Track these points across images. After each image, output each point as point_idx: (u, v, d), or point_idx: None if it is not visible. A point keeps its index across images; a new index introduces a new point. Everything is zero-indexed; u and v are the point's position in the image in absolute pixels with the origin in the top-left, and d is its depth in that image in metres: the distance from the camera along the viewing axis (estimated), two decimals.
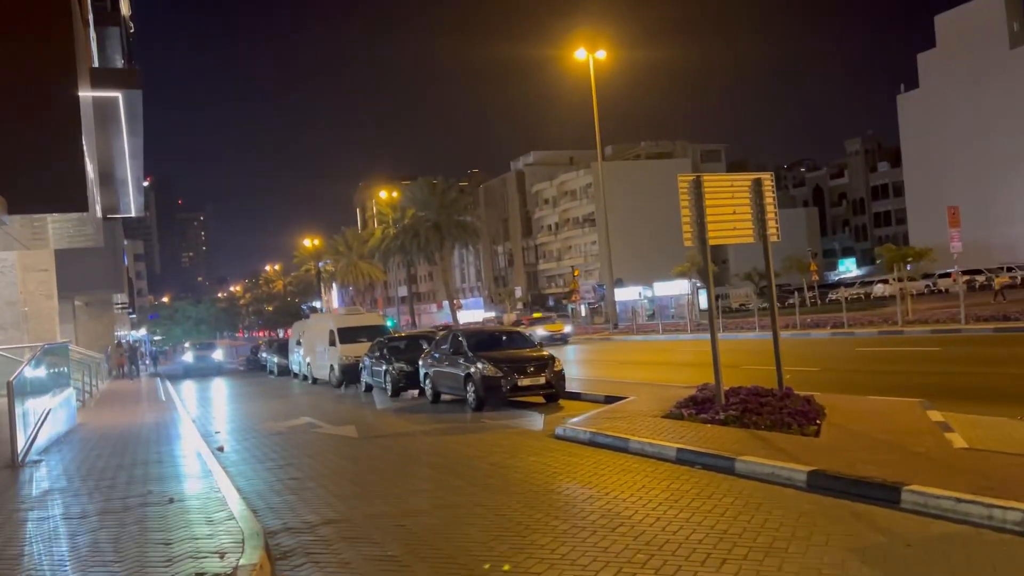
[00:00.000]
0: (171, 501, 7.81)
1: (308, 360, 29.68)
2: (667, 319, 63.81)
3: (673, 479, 7.81)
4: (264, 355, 42.56)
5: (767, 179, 11.61)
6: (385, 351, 22.03)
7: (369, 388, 22.95)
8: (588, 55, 44.06)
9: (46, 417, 14.16)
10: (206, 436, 14.60)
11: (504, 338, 17.62)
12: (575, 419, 11.98)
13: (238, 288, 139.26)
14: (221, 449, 12.76)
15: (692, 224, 11.08)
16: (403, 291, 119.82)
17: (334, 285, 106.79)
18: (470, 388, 15.86)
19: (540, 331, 40.48)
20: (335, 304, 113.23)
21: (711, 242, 11.11)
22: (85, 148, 12.80)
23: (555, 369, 15.76)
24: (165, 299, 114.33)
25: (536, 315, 59.59)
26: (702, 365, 20.20)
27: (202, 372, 42.87)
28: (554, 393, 15.80)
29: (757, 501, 6.66)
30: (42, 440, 13.20)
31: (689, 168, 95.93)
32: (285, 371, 35.50)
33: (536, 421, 13.55)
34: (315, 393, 24.69)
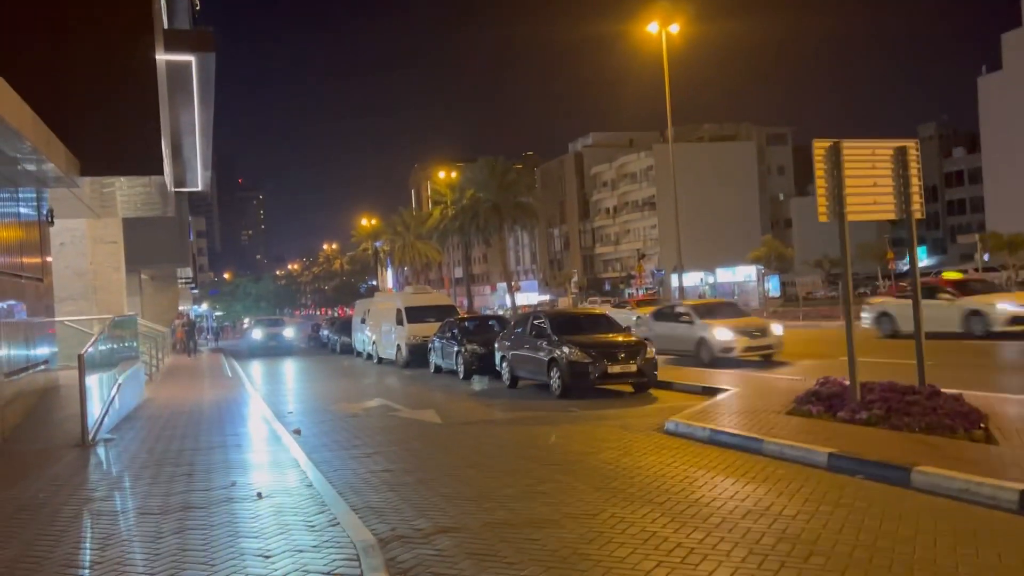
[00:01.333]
0: (259, 496, 6.94)
1: (374, 339, 29.01)
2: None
3: (838, 491, 6.66)
4: (326, 333, 42.19)
5: (912, 147, 10.28)
6: (457, 332, 21.14)
7: (438, 369, 22.11)
8: (661, 29, 42.28)
9: (116, 392, 13.57)
10: (279, 416, 13.87)
11: (590, 321, 16.53)
12: (685, 413, 10.85)
13: (295, 266, 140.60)
14: (298, 432, 11.97)
15: (828, 196, 9.82)
16: (457, 272, 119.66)
17: (389, 265, 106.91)
18: (554, 374, 14.83)
19: (723, 332, 18.67)
20: (389, 284, 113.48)
21: (849, 217, 9.83)
22: (160, 112, 12.08)
23: (647, 356, 14.64)
24: (226, 275, 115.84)
25: (643, 302, 39.80)
26: (790, 355, 18.87)
27: (272, 352, 37.53)
28: (645, 382, 14.68)
29: (970, 527, 5.48)
30: (112, 416, 12.59)
31: (754, 152, 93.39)
32: (348, 349, 34.98)
33: (634, 413, 12.46)
34: (383, 373, 23.97)
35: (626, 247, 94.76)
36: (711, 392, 13.68)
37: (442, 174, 75.96)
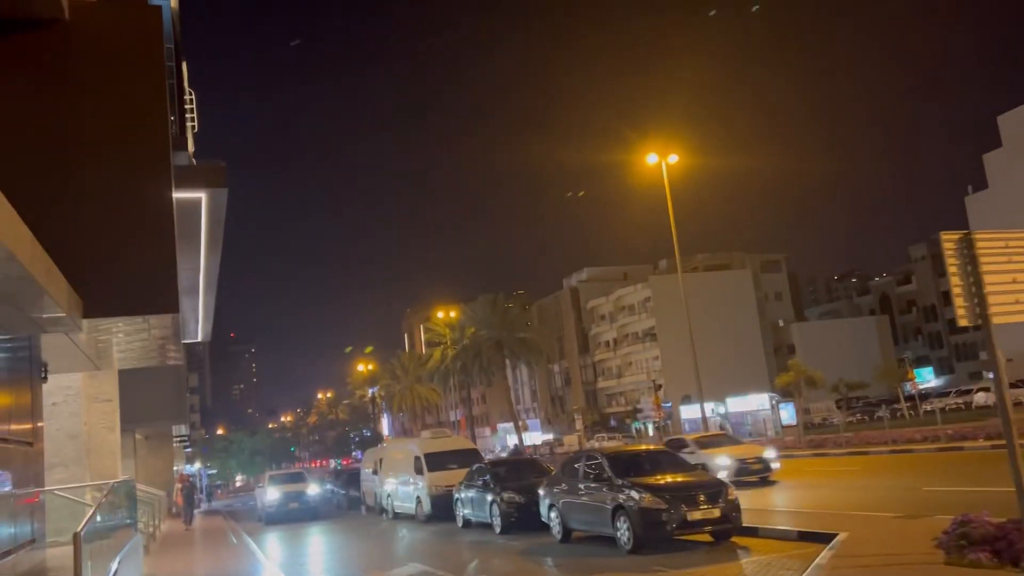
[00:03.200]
0: None
1: (388, 491, 26.67)
2: (742, 435, 59.67)
3: None
4: (330, 487, 39.58)
5: None
6: (489, 479, 19.10)
7: (468, 523, 19.86)
8: (660, 160, 42.41)
9: (115, 574, 11.50)
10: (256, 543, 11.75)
11: (654, 459, 14.64)
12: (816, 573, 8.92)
13: (289, 418, 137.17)
14: None
15: (965, 296, 8.38)
16: (454, 415, 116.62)
17: (385, 411, 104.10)
18: (621, 524, 12.83)
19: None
20: (385, 431, 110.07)
21: (995, 319, 8.35)
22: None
23: (729, 498, 12.73)
24: (219, 431, 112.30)
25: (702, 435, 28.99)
26: (855, 488, 16.93)
27: (295, 518, 28.21)
28: (730, 529, 12.70)
29: None
30: None
31: (749, 280, 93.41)
32: (355, 504, 32.45)
33: (734, 572, 10.48)
34: (404, 529, 21.63)
35: (629, 379, 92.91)
36: (811, 537, 11.75)
37: (440, 314, 74.97)
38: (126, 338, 13.89)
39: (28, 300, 7.48)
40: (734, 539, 12.80)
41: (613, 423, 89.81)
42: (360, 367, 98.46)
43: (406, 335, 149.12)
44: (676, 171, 47.58)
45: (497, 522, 17.92)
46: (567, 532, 14.96)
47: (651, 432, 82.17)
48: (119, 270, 9.72)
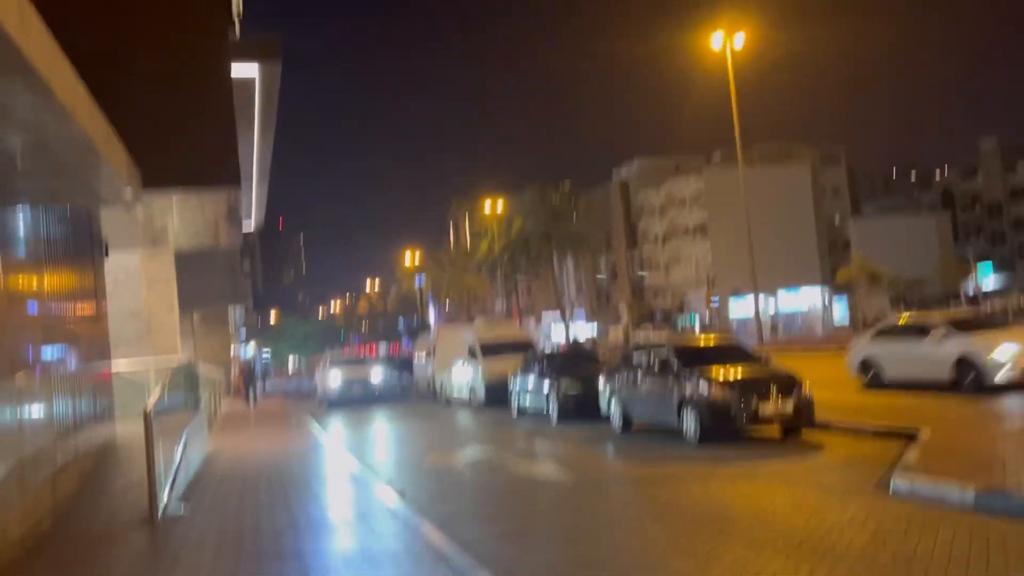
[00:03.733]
0: None
1: (441, 378, 26.89)
2: (794, 332, 59.12)
3: None
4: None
5: None
6: (546, 367, 18.93)
7: (523, 411, 19.86)
8: (725, 41, 40.09)
9: (182, 452, 11.62)
10: (370, 472, 11.77)
11: (723, 351, 14.19)
12: (910, 465, 8.49)
13: (338, 306, 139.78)
14: (402, 493, 9.83)
15: None
16: (499, 306, 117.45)
17: (431, 301, 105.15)
18: (688, 416, 12.53)
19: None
20: (431, 320, 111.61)
21: None
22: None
23: (803, 393, 12.29)
24: (272, 316, 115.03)
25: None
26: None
27: (359, 403, 27.28)
28: (802, 425, 12.32)
29: None
30: (179, 481, 10.61)
31: (807, 173, 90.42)
32: (405, 388, 32.96)
33: (811, 465, 10.13)
34: (459, 416, 21.80)
35: (677, 275, 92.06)
36: (889, 435, 11.33)
37: (487, 205, 74.25)
38: (180, 217, 13.71)
39: (87, 167, 7.12)
40: (805, 434, 12.46)
41: (658, 317, 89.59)
42: (407, 257, 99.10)
43: (451, 225, 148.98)
44: (735, 56, 45.13)
45: (554, 411, 17.84)
46: (627, 422, 14.76)
47: (696, 327, 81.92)
48: (180, 144, 9.31)
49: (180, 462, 11.06)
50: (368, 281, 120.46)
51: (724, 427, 12.14)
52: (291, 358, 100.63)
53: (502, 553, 6.79)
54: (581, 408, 17.25)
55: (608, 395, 15.31)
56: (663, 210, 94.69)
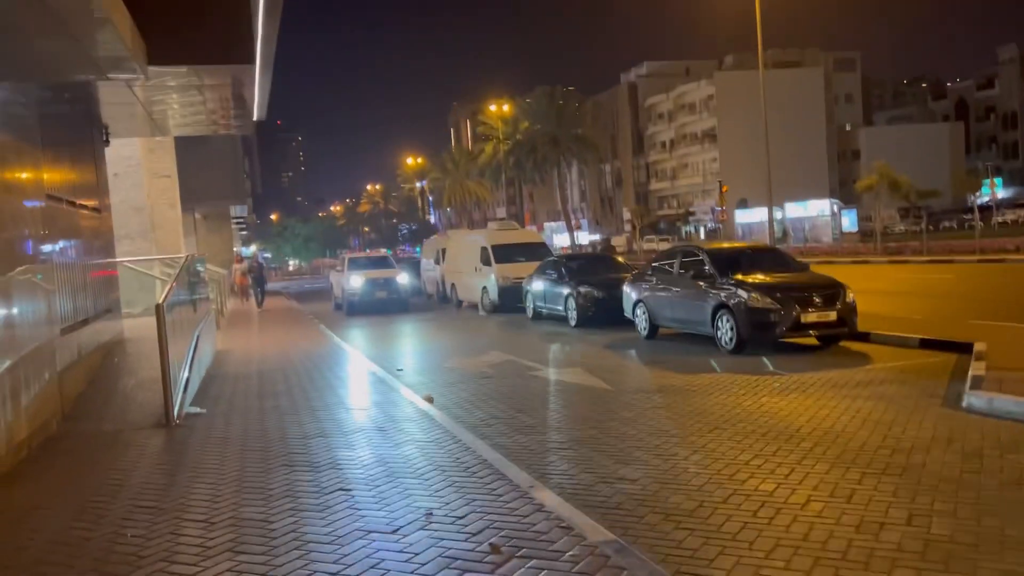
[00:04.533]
0: (497, 551, 4.21)
1: (452, 282, 26.30)
2: (799, 242, 58.14)
3: None
4: None
5: None
6: (564, 272, 18.32)
7: (538, 315, 19.36)
8: None
9: (194, 349, 11.06)
10: (390, 373, 11.28)
11: (759, 256, 13.51)
12: (981, 379, 7.91)
13: (338, 208, 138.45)
14: (430, 399, 9.32)
15: None
16: (500, 213, 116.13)
17: (431, 206, 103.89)
18: (724, 323, 11.94)
19: None
20: (432, 224, 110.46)
21: None
22: None
23: (847, 300, 11.68)
24: (273, 217, 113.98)
25: None
26: (946, 296, 15.75)
27: (381, 310, 24.13)
28: (844, 333, 11.75)
29: None
30: (192, 379, 10.09)
31: (820, 78, 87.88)
32: (416, 292, 32.42)
33: (862, 376, 9.58)
34: (473, 319, 21.29)
35: (684, 182, 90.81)
36: (936, 345, 10.80)
37: (493, 107, 72.30)
38: (180, 106, 12.69)
39: (86, 27, 6.21)
40: (845, 345, 11.92)
41: (663, 226, 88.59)
42: (410, 160, 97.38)
43: (452, 129, 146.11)
44: None
45: (572, 315, 17.33)
46: (653, 329, 14.23)
47: (702, 236, 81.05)
48: (188, 17, 8.31)
49: (193, 361, 10.52)
50: (369, 186, 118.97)
51: (763, 335, 11.58)
52: (290, 260, 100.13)
53: (553, 468, 6.25)
54: (600, 313, 16.79)
55: (634, 300, 14.72)
56: (672, 115, 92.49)
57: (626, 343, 13.97)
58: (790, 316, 11.33)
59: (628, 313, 15.11)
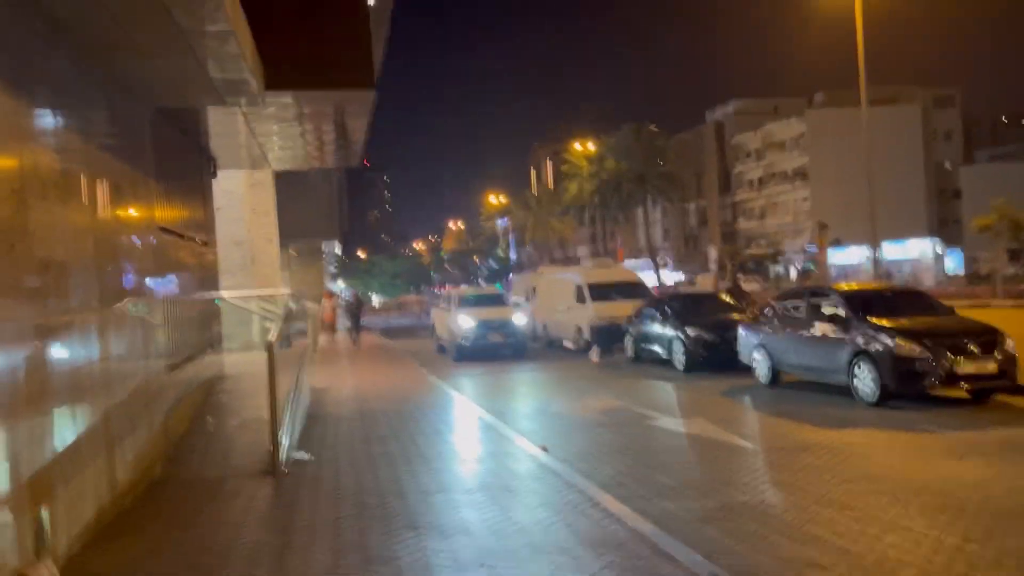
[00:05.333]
0: None
1: (544, 320, 25.58)
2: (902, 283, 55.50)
3: None
4: None
5: None
6: (670, 312, 17.38)
7: (639, 357, 18.41)
8: None
9: (295, 390, 10.61)
10: (498, 416, 10.57)
11: (901, 299, 12.39)
12: None
13: (421, 246, 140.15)
14: (544, 449, 8.56)
15: None
16: (581, 251, 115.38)
17: (512, 244, 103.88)
18: (863, 371, 10.83)
19: None
20: (512, 262, 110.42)
21: None
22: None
23: (1006, 348, 10.45)
24: (360, 253, 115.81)
25: None
26: None
27: (495, 355, 20.14)
28: (1004, 387, 10.49)
29: None
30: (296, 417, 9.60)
31: (918, 116, 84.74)
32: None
33: None
34: (568, 360, 20.43)
35: (772, 221, 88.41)
36: None
37: (578, 145, 71.93)
38: (285, 133, 12.43)
39: (209, 42, 5.80)
40: (999, 397, 10.66)
41: (751, 265, 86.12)
42: (492, 198, 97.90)
43: (533, 168, 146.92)
44: None
45: (680, 359, 16.34)
46: (775, 375, 13.17)
47: (793, 276, 78.36)
48: (305, 39, 7.94)
49: (296, 401, 10.06)
50: (451, 223, 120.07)
51: (910, 386, 10.43)
52: (373, 296, 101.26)
53: (720, 546, 5.37)
54: (712, 357, 15.78)
55: (752, 344, 13.70)
56: (760, 153, 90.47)
57: (743, 390, 12.95)
58: (943, 365, 10.17)
59: (745, 358, 14.09)
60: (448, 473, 7.27)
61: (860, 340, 10.98)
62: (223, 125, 10.00)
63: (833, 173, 79.21)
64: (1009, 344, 10.50)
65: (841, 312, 11.64)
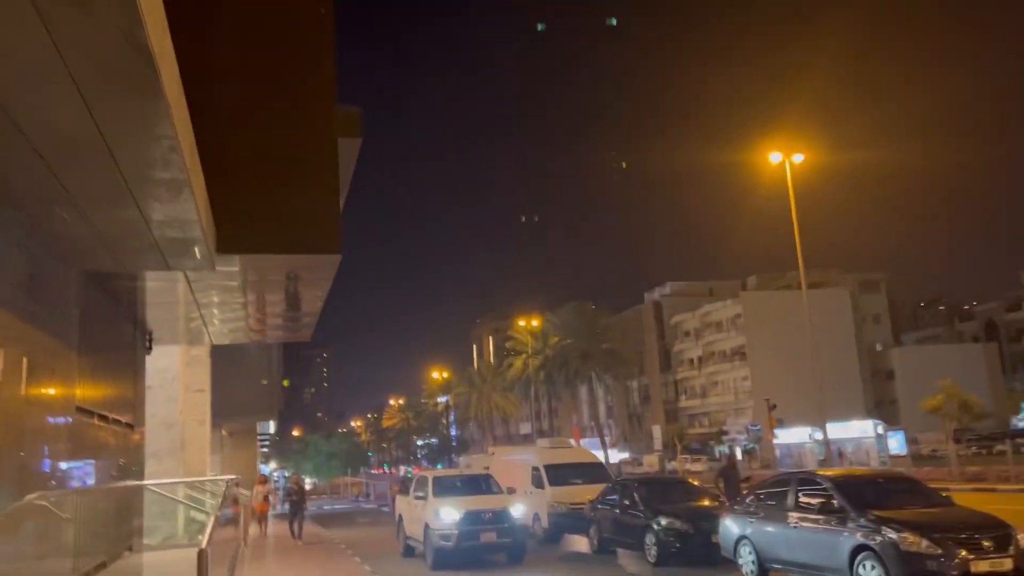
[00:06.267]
0: None
1: None
2: (843, 466, 55.15)
3: None
4: None
5: None
6: (637, 498, 16.21)
7: (603, 548, 16.98)
8: (784, 159, 38.86)
9: None
10: None
11: (895, 487, 11.56)
12: None
13: (359, 424, 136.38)
14: None
15: None
16: (524, 428, 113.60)
17: (453, 422, 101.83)
18: (868, 570, 9.79)
19: None
20: (453, 441, 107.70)
21: None
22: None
23: (1020, 545, 9.60)
24: (295, 432, 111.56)
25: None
26: None
27: (484, 558, 16.01)
28: None
29: None
30: None
31: (847, 299, 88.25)
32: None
33: None
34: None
35: (714, 400, 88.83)
36: None
37: (523, 322, 72.30)
38: (233, 302, 11.50)
39: (164, 189, 4.99)
40: None
41: (695, 445, 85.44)
42: (435, 374, 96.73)
43: (475, 345, 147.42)
44: (773, 178, 43.65)
45: (652, 552, 15.02)
46: (763, 572, 12.00)
47: (739, 455, 77.67)
48: (270, 199, 7.24)
49: None
50: (392, 400, 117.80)
51: None
52: (306, 479, 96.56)
53: None
54: (687, 549, 14.57)
55: (736, 537, 12.58)
56: (699, 333, 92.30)
57: None
58: (957, 564, 9.22)
59: (727, 551, 12.94)
60: None
61: (859, 535, 10.03)
62: (163, 294, 9.04)
63: (770, 353, 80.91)
64: (1022, 539, 9.67)
65: (835, 503, 10.72)
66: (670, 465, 69.05)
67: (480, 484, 17.79)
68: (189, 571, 6.39)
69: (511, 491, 18.32)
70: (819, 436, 70.75)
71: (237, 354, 28.39)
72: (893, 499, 10.74)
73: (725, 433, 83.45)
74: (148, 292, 9.32)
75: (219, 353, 24.12)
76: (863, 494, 10.81)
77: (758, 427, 74.34)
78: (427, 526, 15.80)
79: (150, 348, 11.20)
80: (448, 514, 15.49)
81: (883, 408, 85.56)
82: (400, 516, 18.81)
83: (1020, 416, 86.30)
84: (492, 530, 15.51)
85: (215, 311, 11.73)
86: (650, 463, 75.50)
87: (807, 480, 11.80)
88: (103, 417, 7.93)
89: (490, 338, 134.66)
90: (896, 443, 58.77)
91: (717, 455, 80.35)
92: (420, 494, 17.16)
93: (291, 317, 12.94)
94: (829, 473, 12.20)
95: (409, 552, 17.69)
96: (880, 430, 61.58)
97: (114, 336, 8.56)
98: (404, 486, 40.17)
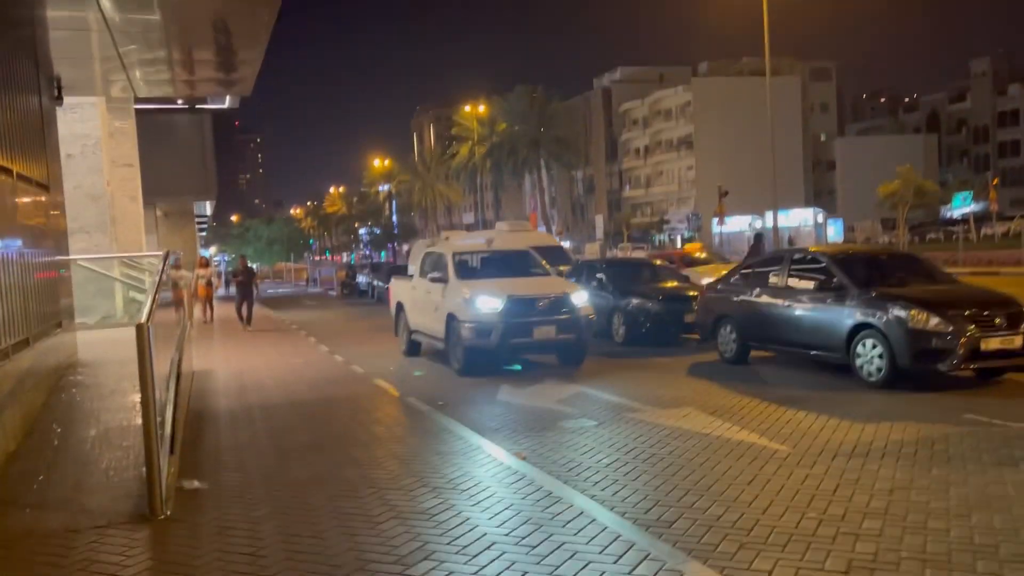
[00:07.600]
0: None
1: None
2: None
3: None
4: (365, 280, 36.51)
5: None
6: (604, 280, 15.60)
7: None
8: None
9: (177, 381, 8.12)
10: (435, 407, 8.44)
11: (898, 265, 10.92)
12: None
13: (298, 211, 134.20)
14: (523, 457, 6.54)
15: None
16: (468, 218, 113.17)
17: (394, 210, 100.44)
18: (867, 348, 9.28)
19: None
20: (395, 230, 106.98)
21: None
22: None
23: None
24: (233, 218, 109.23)
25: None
26: None
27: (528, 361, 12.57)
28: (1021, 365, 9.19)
29: None
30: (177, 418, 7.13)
31: (797, 87, 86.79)
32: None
33: None
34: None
35: (659, 190, 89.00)
36: None
37: (469, 107, 69.52)
38: (142, 68, 9.68)
39: None
40: (1012, 377, 9.39)
41: (636, 234, 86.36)
42: (377, 162, 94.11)
43: (415, 133, 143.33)
44: None
45: (621, 332, 14.65)
46: (744, 350, 11.56)
47: (678, 244, 78.95)
48: None
49: (177, 397, 7.57)
50: (332, 188, 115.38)
51: (929, 365, 8.94)
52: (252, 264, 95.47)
53: None
54: (656, 330, 14.17)
55: (716, 316, 12.03)
56: (647, 122, 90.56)
57: (708, 369, 11.31)
58: (968, 342, 8.71)
59: (704, 331, 12.48)
60: (412, 506, 5.06)
61: (860, 312, 9.43)
62: (70, 23, 7.23)
63: (717, 142, 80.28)
64: None
65: (836, 279, 10.04)
66: (611, 253, 69.88)
67: (519, 262, 13.44)
68: (129, 349, 5.28)
69: None
70: (758, 224, 72.15)
71: (165, 128, 26.17)
72: (896, 276, 10.12)
73: (667, 222, 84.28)
74: (52, 23, 7.50)
75: (146, 126, 22.07)
76: (864, 271, 10.15)
77: (699, 216, 75.11)
78: (452, 317, 11.95)
79: (60, 97, 9.46)
80: (487, 302, 11.50)
81: (822, 198, 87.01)
82: (398, 308, 14.99)
83: (948, 207, 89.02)
84: (550, 321, 11.70)
85: (134, 52, 9.91)
86: (592, 251, 76.41)
87: (802, 258, 11.08)
88: (5, 170, 6.43)
89: (431, 125, 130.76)
90: (834, 231, 60.22)
91: (657, 243, 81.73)
92: (436, 275, 12.95)
93: (228, 73, 11.12)
94: (827, 249, 11.48)
95: (412, 350, 14.18)
96: (820, 219, 62.82)
97: (6, 82, 6.87)
98: (350, 271, 39.32)
